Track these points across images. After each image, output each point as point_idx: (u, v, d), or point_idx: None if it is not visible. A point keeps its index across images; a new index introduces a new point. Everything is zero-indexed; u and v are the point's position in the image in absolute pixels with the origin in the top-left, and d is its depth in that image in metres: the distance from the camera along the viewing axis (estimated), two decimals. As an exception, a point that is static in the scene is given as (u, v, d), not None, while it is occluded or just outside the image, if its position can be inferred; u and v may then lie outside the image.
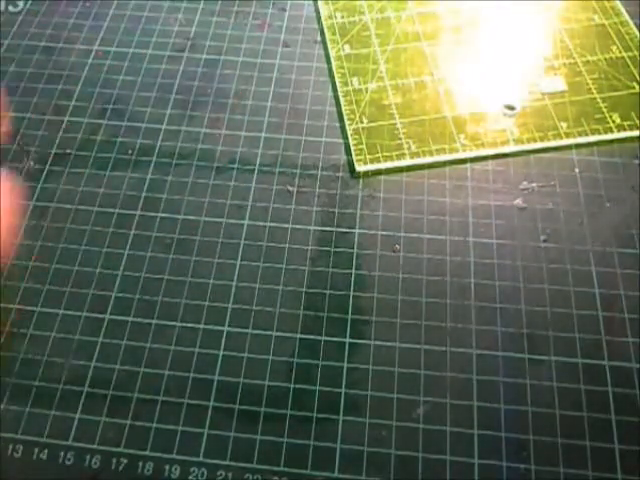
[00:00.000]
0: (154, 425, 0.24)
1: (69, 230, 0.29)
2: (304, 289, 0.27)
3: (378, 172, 0.31)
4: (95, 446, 0.24)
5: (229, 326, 0.26)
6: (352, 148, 0.31)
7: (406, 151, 0.31)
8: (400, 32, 0.36)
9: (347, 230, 0.29)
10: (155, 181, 0.31)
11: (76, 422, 0.24)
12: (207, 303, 0.27)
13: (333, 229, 0.29)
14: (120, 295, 0.27)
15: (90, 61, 0.35)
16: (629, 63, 0.34)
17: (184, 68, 0.35)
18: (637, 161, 0.31)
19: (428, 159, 0.31)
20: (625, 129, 0.32)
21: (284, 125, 0.33)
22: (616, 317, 0.26)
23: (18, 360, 0.26)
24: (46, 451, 0.24)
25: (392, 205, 0.30)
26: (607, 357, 0.25)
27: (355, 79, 0.34)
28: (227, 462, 0.23)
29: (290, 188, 0.30)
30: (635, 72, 0.34)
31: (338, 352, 0.26)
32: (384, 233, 0.29)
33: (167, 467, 0.23)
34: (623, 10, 0.36)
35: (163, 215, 0.29)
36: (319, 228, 0.29)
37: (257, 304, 0.27)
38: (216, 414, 0.24)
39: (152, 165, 0.31)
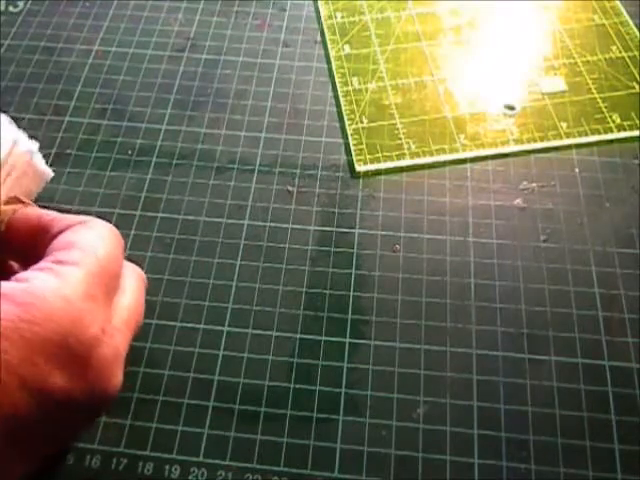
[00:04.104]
0: (154, 425, 0.24)
1: (69, 230, 0.29)
2: (304, 289, 0.27)
3: (378, 172, 0.31)
4: (95, 446, 0.24)
5: (229, 326, 0.26)
6: (352, 148, 0.31)
7: (406, 151, 0.31)
8: (400, 32, 0.36)
9: (347, 230, 0.29)
10: (155, 181, 0.31)
11: (76, 422, 0.24)
12: (207, 303, 0.27)
13: (333, 229, 0.29)
14: (120, 295, 0.27)
15: (90, 61, 0.35)
16: (629, 63, 0.34)
17: (184, 68, 0.35)
18: (637, 161, 0.31)
19: (428, 159, 0.31)
20: (625, 129, 0.32)
21: (284, 125, 0.33)
22: (616, 317, 0.26)
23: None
24: (46, 451, 0.24)
25: (392, 205, 0.30)
26: (607, 357, 0.25)
27: (355, 79, 0.34)
28: (227, 462, 0.23)
29: (290, 188, 0.30)
30: (635, 72, 0.34)
31: (338, 352, 0.26)
32: (384, 233, 0.29)
33: (167, 467, 0.23)
34: (623, 10, 0.36)
35: (163, 215, 0.29)
36: (319, 228, 0.29)
37: (257, 304, 0.27)
38: (216, 414, 0.24)
39: (152, 165, 0.31)
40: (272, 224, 0.29)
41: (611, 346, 0.26)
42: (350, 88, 0.34)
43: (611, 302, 0.27)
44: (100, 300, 0.18)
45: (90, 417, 0.21)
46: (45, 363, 0.16)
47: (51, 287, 0.17)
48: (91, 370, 0.18)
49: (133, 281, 0.22)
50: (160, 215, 0.29)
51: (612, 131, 0.31)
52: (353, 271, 0.28)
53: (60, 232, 0.20)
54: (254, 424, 0.24)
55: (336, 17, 0.37)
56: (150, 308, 0.27)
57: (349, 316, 0.27)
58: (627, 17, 0.36)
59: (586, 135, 0.31)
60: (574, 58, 0.34)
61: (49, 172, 0.25)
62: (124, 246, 0.21)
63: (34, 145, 0.24)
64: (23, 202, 0.22)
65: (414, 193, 0.30)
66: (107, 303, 0.19)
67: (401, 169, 0.31)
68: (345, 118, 0.32)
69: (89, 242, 0.19)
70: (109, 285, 0.19)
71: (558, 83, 0.33)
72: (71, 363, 0.17)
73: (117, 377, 0.19)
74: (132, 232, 0.29)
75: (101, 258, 0.19)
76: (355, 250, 0.28)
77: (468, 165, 0.31)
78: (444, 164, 0.31)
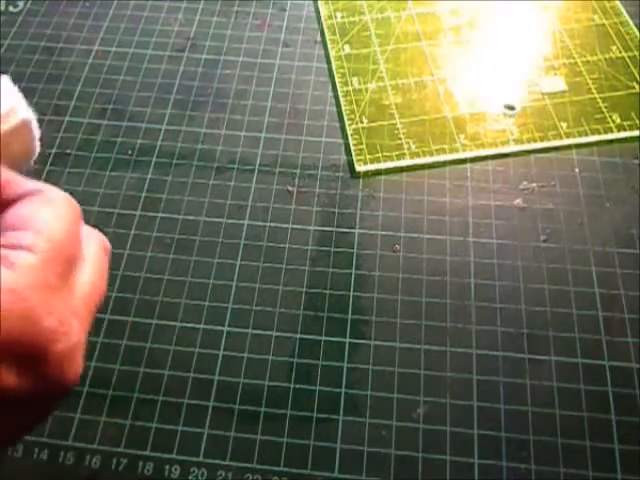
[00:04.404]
0: (154, 425, 0.24)
1: (69, 230, 0.29)
2: (304, 289, 0.27)
3: (378, 172, 0.31)
4: (95, 446, 0.24)
5: (229, 326, 0.26)
6: (352, 148, 0.31)
7: (406, 151, 0.31)
8: (400, 32, 0.36)
9: (347, 230, 0.29)
10: (155, 181, 0.31)
11: (76, 422, 0.24)
12: (207, 303, 0.27)
13: (333, 229, 0.29)
14: (120, 295, 0.27)
15: (90, 61, 0.35)
16: (629, 63, 0.34)
17: (184, 68, 0.35)
18: (637, 161, 0.31)
19: (428, 159, 0.31)
20: (625, 129, 0.32)
21: (284, 125, 0.33)
22: (616, 317, 0.26)
23: (18, 360, 0.26)
24: (46, 451, 0.24)
25: (392, 205, 0.30)
26: (607, 357, 0.25)
27: (355, 79, 0.34)
28: (227, 462, 0.23)
29: (290, 188, 0.30)
30: (635, 72, 0.34)
31: (338, 352, 0.26)
32: (384, 233, 0.29)
33: (167, 467, 0.23)
34: (623, 10, 0.36)
35: (163, 215, 0.29)
36: (319, 228, 0.29)
37: (257, 304, 0.27)
38: (216, 414, 0.24)
39: (152, 165, 0.31)
40: (272, 224, 0.29)
41: (611, 346, 0.26)
42: (350, 88, 0.34)
43: (611, 302, 0.27)
44: (56, 288, 0.17)
45: (48, 407, 0.20)
46: None
47: (3, 279, 0.16)
48: (48, 365, 0.16)
49: (93, 251, 0.20)
50: (160, 215, 0.29)
51: (612, 131, 0.31)
52: (353, 271, 0.28)
53: (12, 201, 0.18)
54: (254, 424, 0.24)
55: (336, 17, 0.37)
56: (150, 308, 0.27)
57: (349, 316, 0.27)
58: (627, 17, 0.36)
59: (586, 135, 0.31)
60: (574, 58, 0.34)
61: (37, 146, 0.25)
62: (82, 216, 0.19)
63: (32, 114, 0.23)
64: None
65: (414, 193, 0.30)
66: (64, 289, 0.17)
67: (401, 169, 0.31)
68: (345, 118, 0.32)
69: (45, 221, 0.17)
70: (66, 268, 0.17)
71: (558, 83, 0.33)
72: (22, 359, 0.16)
73: (77, 367, 0.18)
74: (132, 232, 0.29)
75: (58, 240, 0.17)
76: (355, 250, 0.28)
77: (468, 165, 0.31)
78: (444, 164, 0.31)
